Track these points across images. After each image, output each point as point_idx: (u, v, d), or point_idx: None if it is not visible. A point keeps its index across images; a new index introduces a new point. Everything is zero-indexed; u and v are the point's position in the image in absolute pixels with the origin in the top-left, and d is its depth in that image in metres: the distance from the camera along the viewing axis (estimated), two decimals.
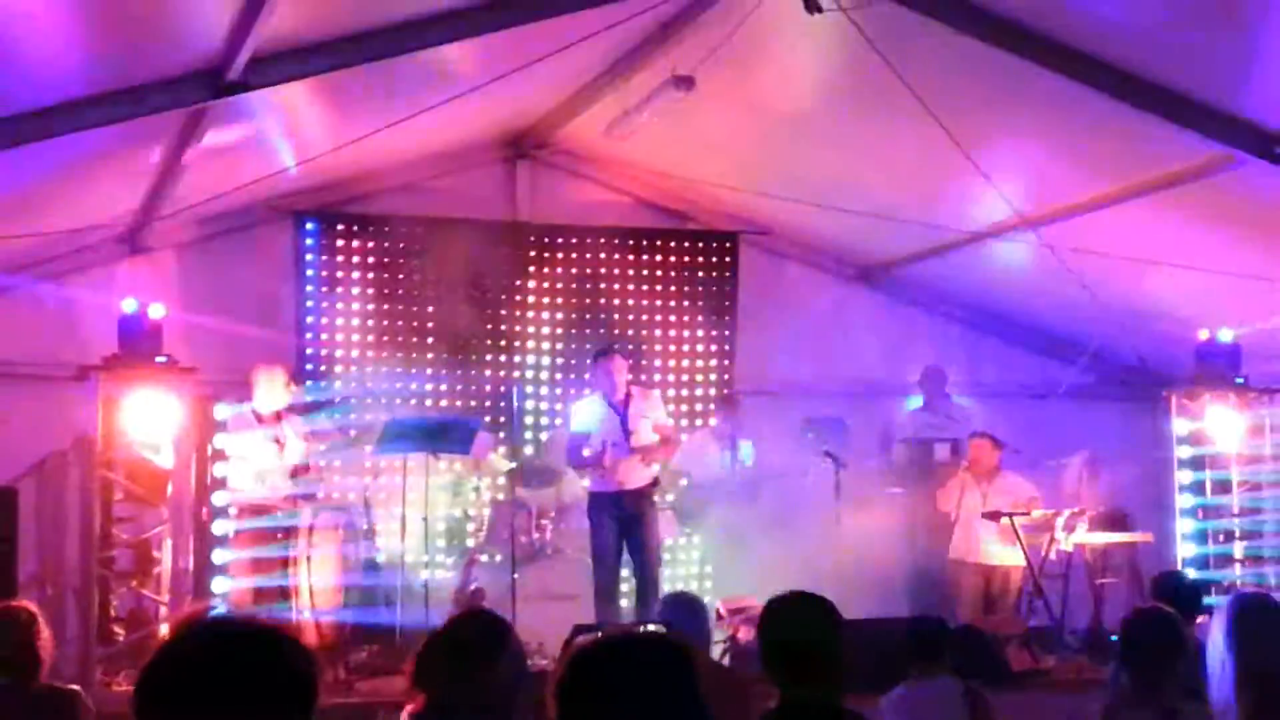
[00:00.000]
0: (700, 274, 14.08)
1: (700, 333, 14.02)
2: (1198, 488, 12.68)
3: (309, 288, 13.11)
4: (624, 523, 11.33)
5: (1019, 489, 12.64)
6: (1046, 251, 11.57)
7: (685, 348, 13.96)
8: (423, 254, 13.22)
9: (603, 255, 13.77)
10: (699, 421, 13.72)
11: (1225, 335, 12.48)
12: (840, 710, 4.64)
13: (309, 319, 13.07)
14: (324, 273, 13.14)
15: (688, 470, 13.01)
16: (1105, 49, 9.11)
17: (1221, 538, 12.57)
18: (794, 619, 4.74)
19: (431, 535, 11.93)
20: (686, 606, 8.21)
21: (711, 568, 13.40)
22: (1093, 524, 12.47)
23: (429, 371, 13.22)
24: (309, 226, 13.12)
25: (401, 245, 13.25)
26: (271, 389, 11.19)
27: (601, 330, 13.53)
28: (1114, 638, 11.43)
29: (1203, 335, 12.55)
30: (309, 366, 12.87)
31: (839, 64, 10.23)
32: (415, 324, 13.30)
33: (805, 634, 4.66)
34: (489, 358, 13.49)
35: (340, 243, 13.19)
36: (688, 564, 13.63)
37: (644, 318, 13.87)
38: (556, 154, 13.76)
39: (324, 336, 13.10)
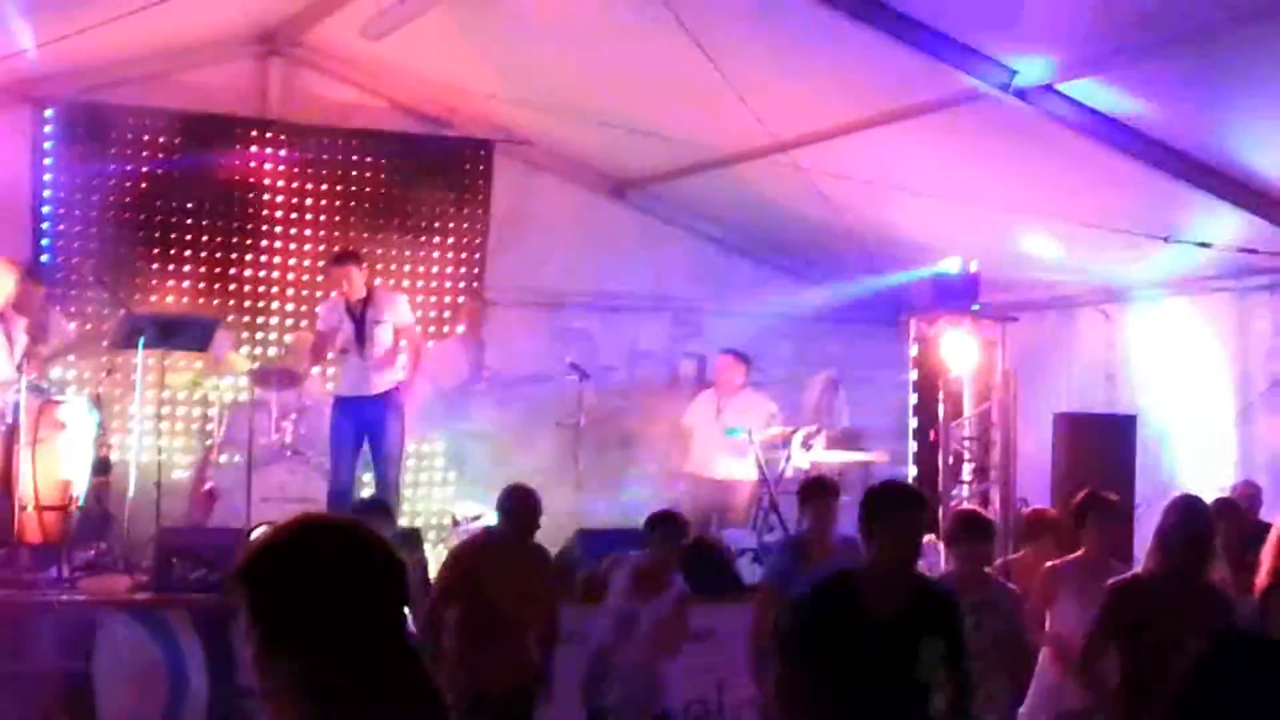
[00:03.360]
0: (454, 181, 13.96)
1: (451, 240, 13.91)
2: (930, 410, 13.02)
3: (47, 177, 12.66)
4: (363, 428, 11.26)
5: (758, 406, 12.89)
6: (799, 174, 11.73)
7: (435, 254, 13.82)
8: (169, 148, 12.87)
9: (355, 158, 13.60)
10: (447, 329, 13.66)
11: (960, 263, 12.75)
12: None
13: (46, 209, 12.63)
14: (64, 163, 12.68)
15: (434, 376, 12.99)
16: None
17: (951, 460, 12.94)
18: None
19: (167, 433, 11.72)
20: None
21: (454, 474, 13.40)
22: (829, 443, 12.77)
23: (172, 268, 12.91)
24: (48, 114, 12.64)
25: (147, 138, 12.85)
26: (3, 282, 10.84)
27: (352, 234, 13.35)
28: None
29: (943, 263, 12.83)
30: (45, 259, 12.46)
31: None
32: (160, 219, 12.96)
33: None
34: (234, 256, 13.21)
35: (82, 133, 12.72)
36: (430, 470, 13.59)
37: (395, 221, 13.69)
38: (311, 52, 13.48)
39: (62, 228, 12.67)
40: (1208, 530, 6.40)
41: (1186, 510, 6.41)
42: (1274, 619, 6.33)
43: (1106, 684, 6.41)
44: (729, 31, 10.11)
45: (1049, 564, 7.95)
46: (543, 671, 8.27)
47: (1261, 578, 6.51)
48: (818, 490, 8.81)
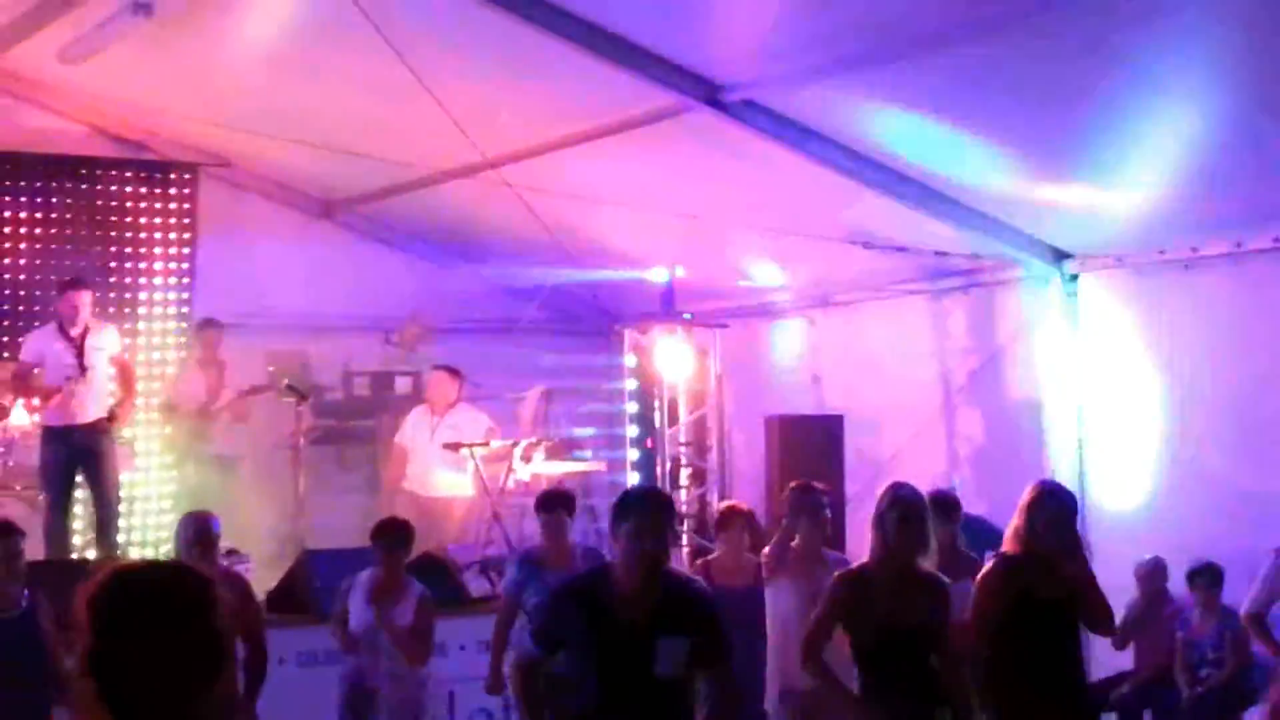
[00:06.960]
0: (159, 205, 13.67)
1: (159, 265, 13.62)
2: (646, 417, 13.29)
3: None
4: (77, 457, 11.00)
5: (473, 420, 12.98)
6: (507, 191, 11.85)
7: (143, 280, 13.52)
8: None
9: (55, 184, 13.21)
10: (157, 355, 13.41)
11: (666, 274, 13.02)
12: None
13: None
14: None
15: (174, 402, 12.96)
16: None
17: (670, 465, 13.23)
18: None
19: None
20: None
21: (170, 504, 13.16)
22: (549, 454, 12.93)
23: None
24: None
25: None
26: None
27: (53, 261, 13.00)
28: None
29: (651, 273, 13.09)
30: None
31: None
32: None
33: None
34: None
35: None
36: (146, 500, 13.30)
37: (98, 249, 13.35)
38: (5, 78, 13.07)
39: None
40: (920, 511, 6.51)
41: (896, 495, 6.52)
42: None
43: (828, 667, 6.59)
44: (436, 50, 10.16)
45: (771, 546, 8.33)
46: (248, 702, 8.04)
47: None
48: (551, 502, 8.92)
